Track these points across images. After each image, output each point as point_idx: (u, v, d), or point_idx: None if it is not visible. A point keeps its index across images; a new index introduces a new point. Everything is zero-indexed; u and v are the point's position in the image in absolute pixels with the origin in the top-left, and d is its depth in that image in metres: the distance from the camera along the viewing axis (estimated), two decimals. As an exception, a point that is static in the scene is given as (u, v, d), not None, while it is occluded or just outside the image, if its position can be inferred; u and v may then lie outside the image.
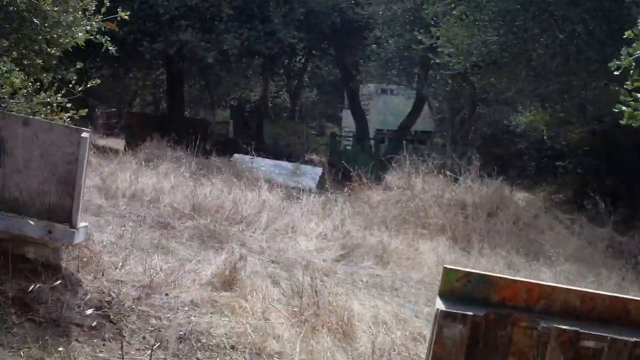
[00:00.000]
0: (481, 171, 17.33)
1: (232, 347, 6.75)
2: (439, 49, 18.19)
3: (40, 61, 8.20)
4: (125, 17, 8.81)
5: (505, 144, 32.70)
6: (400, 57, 23.80)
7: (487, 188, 16.49)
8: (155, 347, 6.39)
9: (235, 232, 12.37)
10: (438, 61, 18.26)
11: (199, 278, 8.94)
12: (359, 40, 26.99)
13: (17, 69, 8.02)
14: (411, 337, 7.97)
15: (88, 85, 8.49)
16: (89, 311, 6.70)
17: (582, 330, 3.64)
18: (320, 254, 12.10)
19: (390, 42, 22.89)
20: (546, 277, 12.24)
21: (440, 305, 3.71)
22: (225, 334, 6.97)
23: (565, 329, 3.63)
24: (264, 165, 20.45)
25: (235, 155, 21.32)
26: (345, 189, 17.29)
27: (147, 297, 7.79)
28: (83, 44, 8.51)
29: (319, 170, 20.60)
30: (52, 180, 6.79)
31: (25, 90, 8.15)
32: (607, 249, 15.61)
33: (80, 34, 8.30)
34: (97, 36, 8.90)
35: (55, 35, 8.02)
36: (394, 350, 7.36)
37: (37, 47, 8.09)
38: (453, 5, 17.30)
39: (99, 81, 9.05)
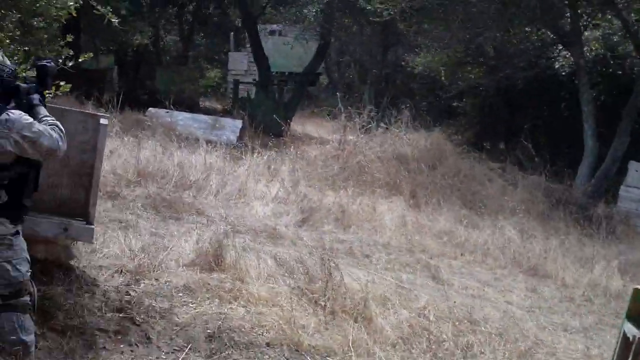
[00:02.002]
0: (413, 121, 17.08)
1: (268, 345, 6.25)
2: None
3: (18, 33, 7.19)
4: (118, -18, 7.90)
5: (400, 84, 32.44)
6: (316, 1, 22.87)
7: (424, 140, 16.23)
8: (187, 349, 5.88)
9: (188, 200, 11.74)
10: (369, 7, 17.64)
11: (181, 258, 8.37)
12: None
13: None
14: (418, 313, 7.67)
15: (79, 60, 7.56)
16: (111, 314, 6.10)
17: None
18: (280, 219, 11.67)
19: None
20: (512, 235, 12.17)
21: (633, 331, 3.31)
22: (254, 328, 6.46)
23: None
24: (182, 119, 19.65)
25: (150, 109, 20.36)
26: (283, 145, 16.69)
27: (137, 284, 7.23)
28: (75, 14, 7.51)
29: (238, 123, 19.91)
30: (63, 172, 6.09)
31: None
32: (547, 198, 15.65)
33: (71, 3, 7.34)
34: (99, 7, 7.98)
35: (43, 4, 7.03)
36: (416, 334, 7.06)
37: (20, 19, 7.08)
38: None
39: (91, 54, 8.15)
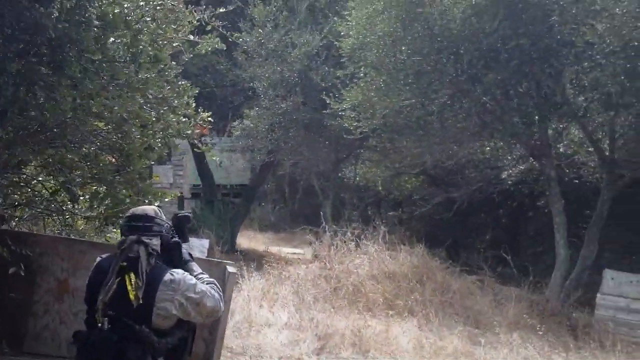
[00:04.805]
0: (389, 235, 16.95)
1: None
2: (342, 113, 17.58)
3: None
4: (209, 119, 7.64)
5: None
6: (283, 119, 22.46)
7: (409, 256, 16.09)
8: None
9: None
10: (346, 125, 17.63)
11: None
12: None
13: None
14: None
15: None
16: None
17: None
18: (296, 347, 11.35)
19: (281, 104, 21.65)
20: (529, 354, 12.06)
21: None
22: None
23: None
24: (143, 242, 19.10)
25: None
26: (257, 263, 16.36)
27: None
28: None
29: (205, 243, 19.40)
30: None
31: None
32: (533, 310, 15.60)
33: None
34: (199, 144, 7.78)
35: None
36: None
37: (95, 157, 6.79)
38: (363, 69, 16.95)
39: (178, 194, 7.85)
